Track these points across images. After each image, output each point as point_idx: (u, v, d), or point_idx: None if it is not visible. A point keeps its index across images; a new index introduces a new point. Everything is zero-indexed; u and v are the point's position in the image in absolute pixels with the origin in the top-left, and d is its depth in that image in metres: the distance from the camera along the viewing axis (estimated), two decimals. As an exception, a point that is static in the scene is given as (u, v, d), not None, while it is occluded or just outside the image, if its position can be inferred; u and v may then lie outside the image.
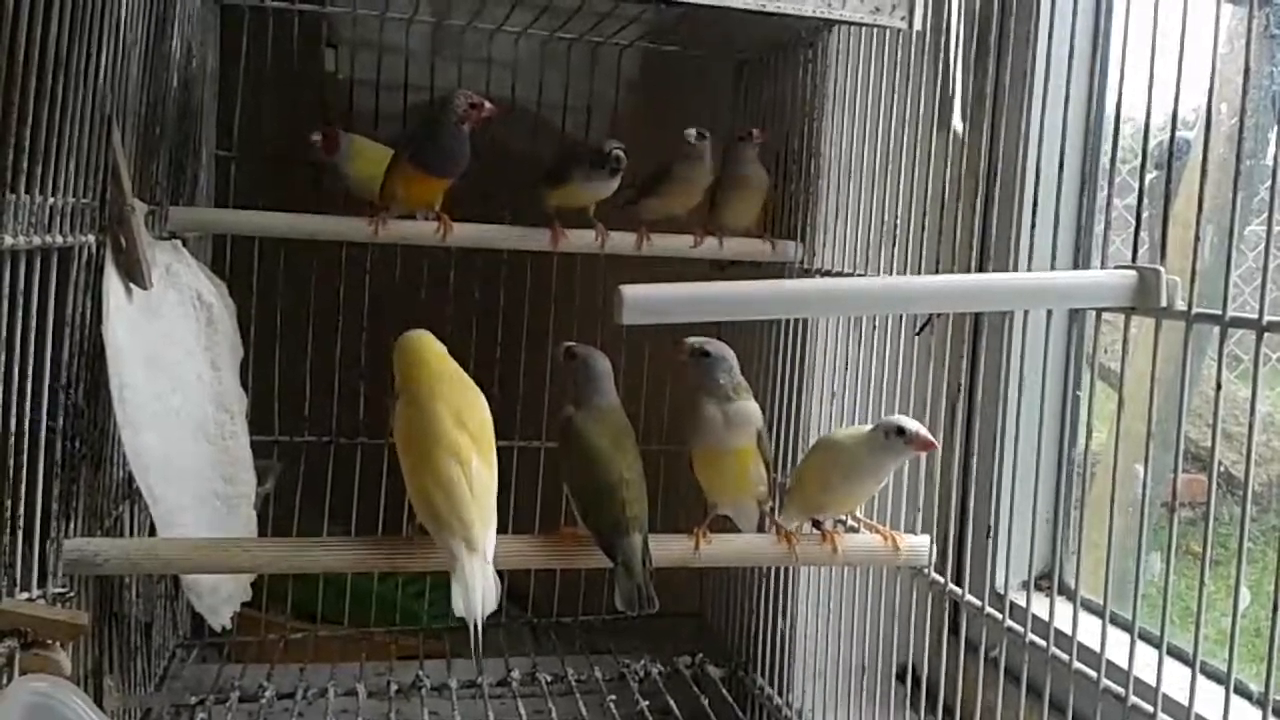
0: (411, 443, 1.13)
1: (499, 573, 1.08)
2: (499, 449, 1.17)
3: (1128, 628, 0.98)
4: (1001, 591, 1.35)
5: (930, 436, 1.14)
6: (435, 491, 1.09)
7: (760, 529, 1.29)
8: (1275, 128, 1.25)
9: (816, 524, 1.26)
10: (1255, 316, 0.86)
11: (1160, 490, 1.21)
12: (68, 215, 1.08)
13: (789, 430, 1.52)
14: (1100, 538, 1.05)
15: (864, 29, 1.41)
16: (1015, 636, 1.13)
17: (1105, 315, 1.03)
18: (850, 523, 1.30)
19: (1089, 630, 1.04)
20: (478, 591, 1.06)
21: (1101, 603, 1.02)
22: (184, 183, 1.57)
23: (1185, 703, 0.91)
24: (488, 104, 1.44)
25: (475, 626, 1.06)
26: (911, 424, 1.15)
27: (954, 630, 1.26)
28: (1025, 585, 1.38)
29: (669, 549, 1.22)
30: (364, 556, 1.17)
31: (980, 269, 1.31)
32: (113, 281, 1.18)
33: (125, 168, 1.20)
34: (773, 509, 1.31)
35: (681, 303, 0.95)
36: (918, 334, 1.25)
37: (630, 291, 0.90)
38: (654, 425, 1.72)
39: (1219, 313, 0.89)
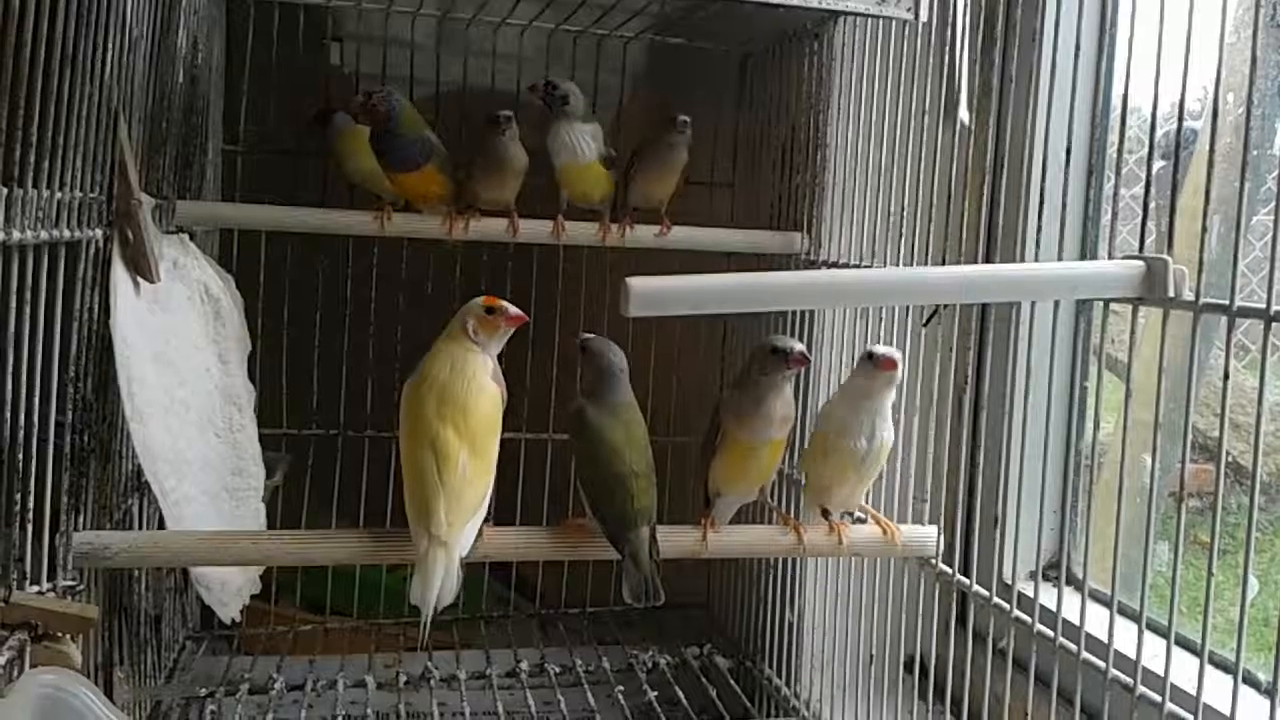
0: (400, 430, 1.15)
1: (505, 565, 1.09)
2: (507, 441, 1.17)
3: (1135, 618, 0.98)
4: (1009, 582, 1.35)
5: (895, 354, 1.16)
6: (407, 479, 1.12)
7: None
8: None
9: (824, 513, 1.26)
10: (1263, 306, 0.86)
11: (1168, 480, 1.21)
12: (75, 210, 1.08)
13: (796, 422, 1.52)
14: (1108, 528, 1.05)
15: (870, 20, 1.41)
16: (1023, 627, 1.13)
17: (1112, 305, 1.03)
18: (857, 514, 1.30)
19: (1097, 620, 1.04)
20: (435, 583, 1.07)
21: (1109, 593, 1.02)
22: (191, 177, 1.57)
23: (1193, 692, 0.91)
24: (372, 95, 1.46)
25: (426, 618, 1.07)
26: (880, 348, 1.17)
27: (962, 621, 1.26)
28: (1033, 575, 1.38)
29: (677, 540, 1.22)
30: (372, 548, 1.17)
31: (987, 260, 1.31)
32: (120, 275, 1.18)
33: (132, 162, 1.20)
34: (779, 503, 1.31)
35: (688, 295, 0.95)
36: (924, 325, 1.25)
37: (637, 284, 0.90)
38: (661, 417, 1.72)
39: (1226, 302, 0.89)
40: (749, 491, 1.29)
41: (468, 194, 1.56)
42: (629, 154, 1.61)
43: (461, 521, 1.10)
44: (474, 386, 1.14)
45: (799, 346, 1.19)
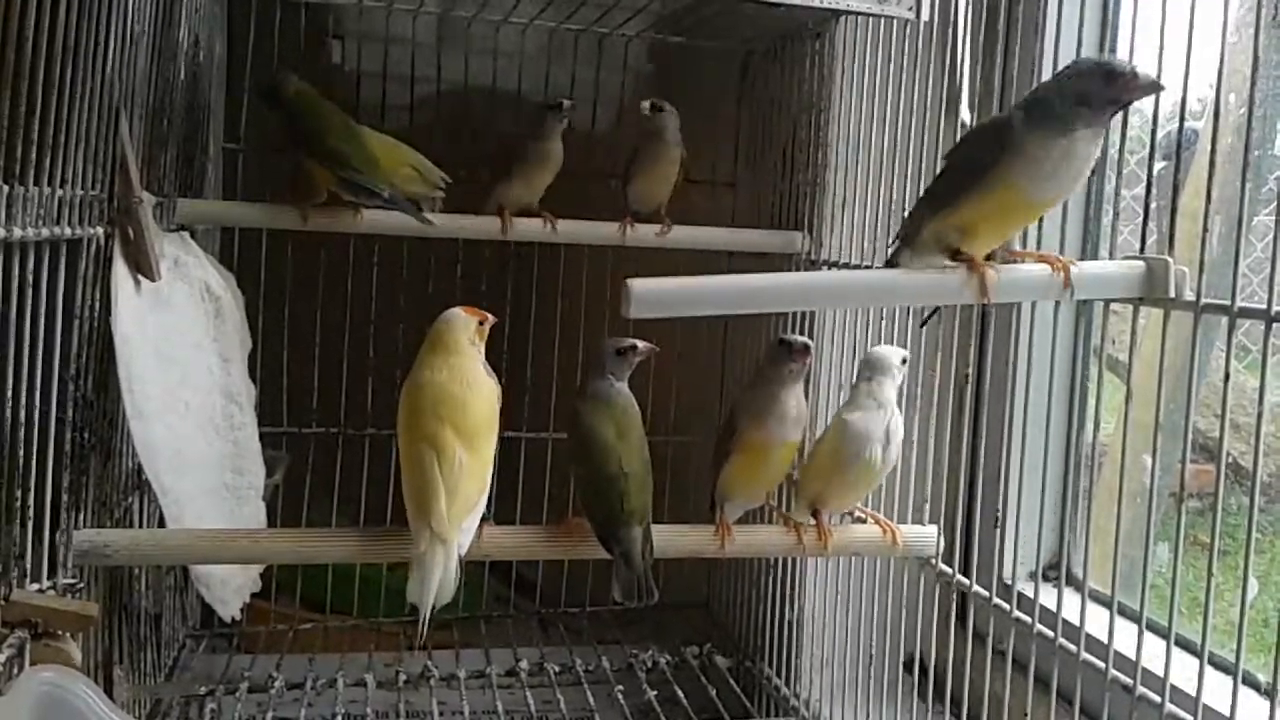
0: (399, 429, 1.15)
1: (505, 564, 1.09)
2: (508, 440, 1.17)
3: (1135, 618, 0.98)
4: (1009, 582, 1.35)
5: (806, 341, 1.19)
6: (407, 477, 1.12)
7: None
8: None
9: (815, 514, 1.26)
10: (1263, 307, 0.86)
11: (1168, 480, 1.21)
12: (76, 207, 1.08)
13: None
14: (1108, 528, 1.05)
15: (871, 20, 1.41)
16: (1023, 627, 1.13)
17: (1113, 306, 1.03)
18: (857, 514, 1.30)
19: (1096, 621, 1.04)
20: (434, 580, 1.07)
21: (1109, 593, 1.02)
22: (192, 175, 1.57)
23: (1193, 693, 0.91)
24: None
25: (424, 615, 1.07)
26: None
27: (961, 621, 1.26)
28: (1033, 576, 1.38)
29: (689, 539, 1.23)
30: (372, 547, 1.17)
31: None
32: (121, 273, 1.18)
33: (133, 160, 1.20)
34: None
35: (689, 295, 0.95)
36: (923, 325, 1.25)
37: (638, 285, 0.90)
38: (661, 417, 1.72)
39: (1227, 303, 0.89)
40: (757, 497, 1.29)
41: (497, 194, 1.57)
42: (626, 156, 1.61)
43: (460, 518, 1.10)
44: (472, 386, 1.14)
45: (802, 340, 1.19)
